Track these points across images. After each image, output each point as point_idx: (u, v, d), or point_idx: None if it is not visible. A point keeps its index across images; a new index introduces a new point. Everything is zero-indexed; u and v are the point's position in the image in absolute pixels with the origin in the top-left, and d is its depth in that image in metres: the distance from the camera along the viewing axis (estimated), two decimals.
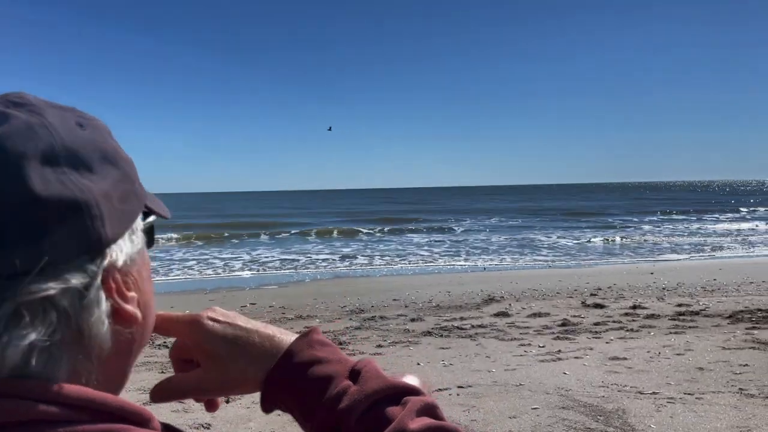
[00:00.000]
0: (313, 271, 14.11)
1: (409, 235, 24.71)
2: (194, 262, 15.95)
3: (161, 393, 0.69)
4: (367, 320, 7.59)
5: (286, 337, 0.71)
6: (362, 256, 17.24)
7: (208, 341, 0.69)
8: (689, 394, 4.11)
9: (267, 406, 0.69)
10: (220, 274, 13.66)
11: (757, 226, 25.77)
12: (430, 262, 15.66)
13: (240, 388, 0.69)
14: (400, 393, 0.68)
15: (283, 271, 13.99)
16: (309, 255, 17.66)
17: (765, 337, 5.67)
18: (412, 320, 7.48)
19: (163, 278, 13.06)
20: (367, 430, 0.64)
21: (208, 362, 0.69)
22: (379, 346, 6.16)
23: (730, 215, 32.70)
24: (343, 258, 16.70)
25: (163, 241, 21.09)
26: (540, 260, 15.51)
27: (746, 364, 4.77)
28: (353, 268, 14.69)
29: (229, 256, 17.69)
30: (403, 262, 15.69)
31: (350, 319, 7.76)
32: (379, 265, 15.01)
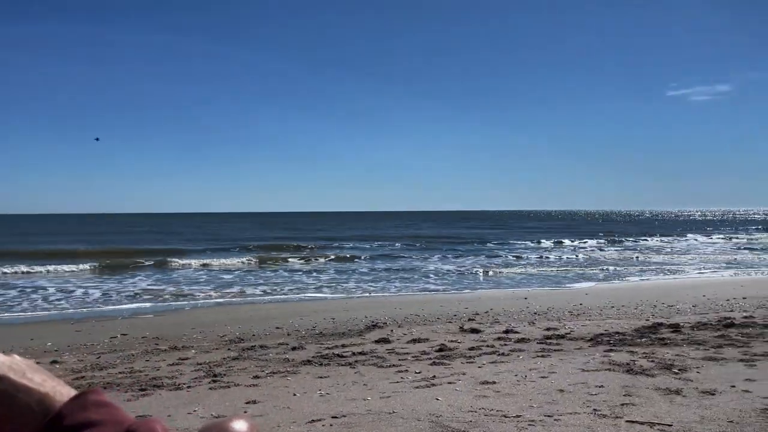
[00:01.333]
0: (193, 300, 13.56)
1: (291, 260, 24.47)
2: (59, 292, 14.83)
3: None
4: (246, 350, 7.39)
5: (63, 397, 0.68)
6: (245, 284, 16.83)
7: None
8: (549, 416, 4.35)
9: None
10: (89, 303, 12.78)
11: (621, 253, 28.02)
12: (315, 289, 15.57)
13: None
14: None
15: (161, 301, 13.34)
16: (189, 283, 16.99)
17: (619, 359, 6.13)
18: (293, 349, 7.38)
19: (22, 312, 12.06)
20: None
21: None
22: (256, 377, 6.01)
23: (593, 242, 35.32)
24: (227, 285, 16.22)
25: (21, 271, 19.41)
26: (423, 286, 15.90)
27: (602, 385, 5.13)
28: (235, 296, 14.29)
29: (101, 284, 16.64)
30: (287, 289, 15.48)
31: (228, 349, 7.53)
32: (262, 294, 14.71)
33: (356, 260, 24.86)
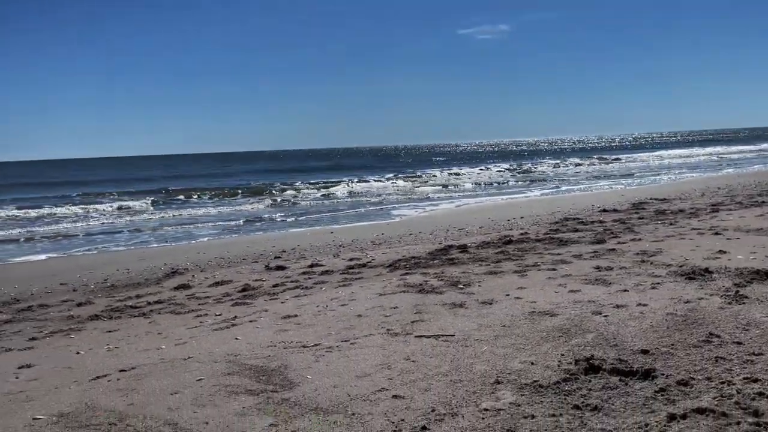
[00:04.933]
0: None
1: (83, 206, 22.33)
2: None
3: None
4: (21, 311, 6.60)
5: None
6: (23, 235, 14.99)
7: None
8: (345, 341, 4.48)
9: None
10: None
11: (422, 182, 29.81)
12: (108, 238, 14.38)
13: None
14: None
15: None
16: None
17: (413, 280, 6.51)
18: (79, 305, 6.74)
19: None
20: None
21: None
22: (33, 339, 5.39)
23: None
24: (4, 241, 14.29)
25: None
26: (227, 227, 15.47)
27: (396, 306, 5.41)
28: (15, 251, 12.66)
29: None
30: (81, 240, 14.09)
31: (0, 312, 6.65)
32: (43, 248, 13.22)
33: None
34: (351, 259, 8.55)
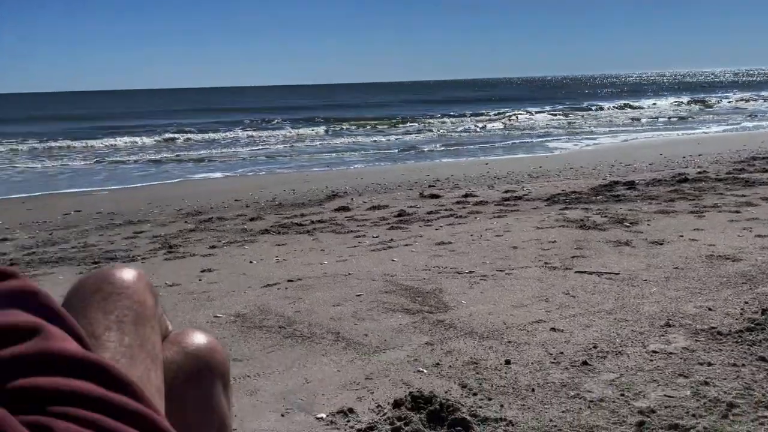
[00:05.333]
0: (149, 173, 13.26)
1: (255, 132, 23.96)
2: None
3: None
4: (203, 222, 7.30)
5: None
6: (204, 156, 16.48)
7: None
8: (501, 270, 4.41)
9: None
10: (38, 177, 12.41)
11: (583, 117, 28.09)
12: (283, 160, 15.35)
13: None
14: None
15: (116, 175, 13.00)
16: (146, 157, 16.57)
17: (574, 216, 6.21)
18: (251, 219, 7.30)
19: None
20: None
21: None
22: (213, 246, 5.96)
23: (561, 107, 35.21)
24: (188, 160, 15.86)
25: None
26: (382, 155, 15.79)
27: (554, 241, 5.21)
28: (195, 169, 14.00)
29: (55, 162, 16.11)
30: (250, 162, 15.23)
31: (185, 222, 7.42)
32: (217, 167, 14.44)
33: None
34: (506, 191, 8.35)
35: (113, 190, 10.89)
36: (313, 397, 2.60)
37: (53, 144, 21.37)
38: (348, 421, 2.36)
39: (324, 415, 2.42)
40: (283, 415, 2.46)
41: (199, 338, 1.25)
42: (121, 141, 21.81)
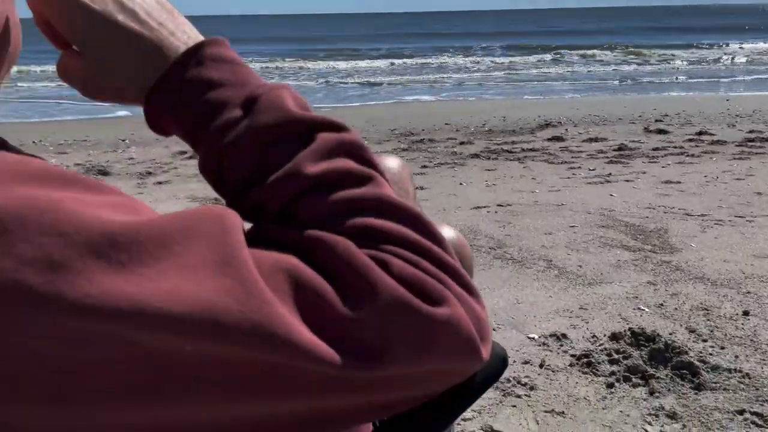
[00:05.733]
0: (364, 94, 13.87)
1: (465, 58, 23.67)
2: None
3: (59, 72, 0.56)
4: (415, 143, 7.50)
5: (181, 44, 0.57)
6: (415, 80, 16.75)
7: (78, 40, 0.56)
8: (740, 216, 3.92)
9: (152, 127, 0.58)
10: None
11: None
12: (486, 85, 15.07)
13: (123, 101, 0.58)
14: (307, 129, 0.55)
15: (335, 93, 13.83)
16: (361, 79, 17.31)
17: None
18: (461, 143, 7.33)
19: None
20: (253, 173, 0.52)
21: (83, 60, 0.54)
22: (424, 167, 6.12)
23: None
24: (398, 84, 16.29)
25: None
26: (600, 85, 14.66)
27: None
28: (406, 92, 14.34)
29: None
30: (459, 86, 15.17)
31: (399, 141, 7.69)
32: (432, 90, 14.57)
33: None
34: (751, 131, 7.30)
35: (334, 107, 11.62)
36: (524, 317, 2.60)
37: (281, 64, 23.27)
38: (561, 345, 2.32)
39: (536, 336, 2.40)
40: (494, 330, 2.50)
41: (449, 232, 1.27)
42: (339, 64, 23.05)
